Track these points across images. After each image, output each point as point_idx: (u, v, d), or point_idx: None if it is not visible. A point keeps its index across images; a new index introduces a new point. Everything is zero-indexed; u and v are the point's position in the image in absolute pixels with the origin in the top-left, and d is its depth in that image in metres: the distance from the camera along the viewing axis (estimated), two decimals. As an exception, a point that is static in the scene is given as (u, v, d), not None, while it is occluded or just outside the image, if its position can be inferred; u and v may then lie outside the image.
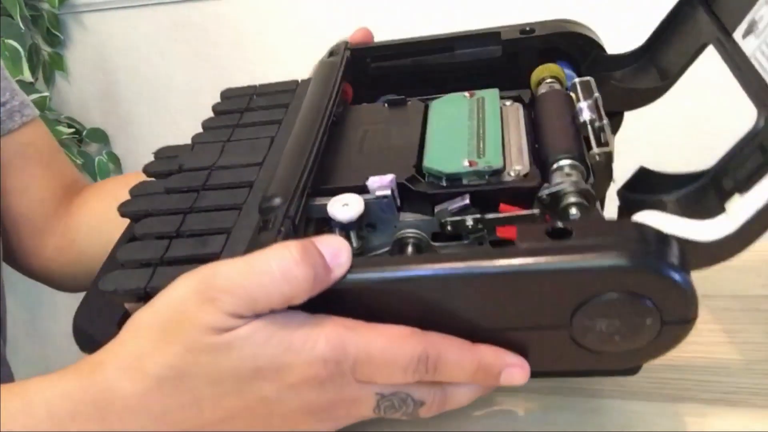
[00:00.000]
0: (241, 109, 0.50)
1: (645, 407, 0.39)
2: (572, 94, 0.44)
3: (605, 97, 0.43)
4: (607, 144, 0.39)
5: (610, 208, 0.40)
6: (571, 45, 0.48)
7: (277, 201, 0.37)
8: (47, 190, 0.62)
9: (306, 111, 0.44)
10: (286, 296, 0.32)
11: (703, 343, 0.33)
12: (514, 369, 0.34)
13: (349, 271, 0.33)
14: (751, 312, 0.46)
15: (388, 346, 0.33)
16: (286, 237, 0.35)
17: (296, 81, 0.52)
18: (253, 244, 0.35)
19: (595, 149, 0.38)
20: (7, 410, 0.33)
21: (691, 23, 0.45)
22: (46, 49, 1.42)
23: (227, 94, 0.52)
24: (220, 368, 0.33)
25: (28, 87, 1.28)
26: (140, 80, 1.43)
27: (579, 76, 0.49)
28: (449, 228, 0.38)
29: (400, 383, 0.34)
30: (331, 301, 0.33)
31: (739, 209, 0.33)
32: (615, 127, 0.47)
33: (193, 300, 0.33)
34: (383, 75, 0.52)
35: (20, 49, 1.26)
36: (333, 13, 1.23)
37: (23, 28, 1.29)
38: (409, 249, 0.40)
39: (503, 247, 0.33)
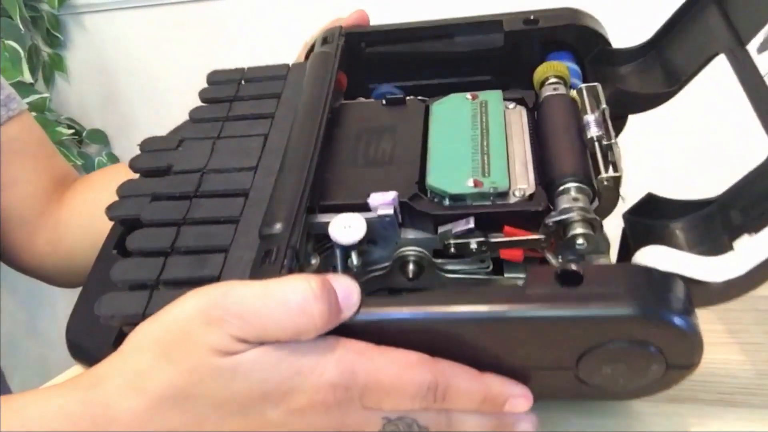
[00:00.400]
0: (230, 98, 0.47)
1: (645, 407, 0.40)
2: (576, 97, 0.43)
3: (608, 99, 0.42)
4: (615, 166, 0.38)
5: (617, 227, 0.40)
6: (576, 38, 0.46)
7: (279, 227, 0.36)
8: (37, 184, 0.60)
9: (302, 120, 0.42)
10: (299, 330, 0.31)
11: (704, 343, 0.33)
12: (519, 399, 0.34)
13: (359, 310, 0.33)
14: (751, 312, 0.46)
15: (398, 374, 0.32)
16: (290, 270, 0.34)
17: (287, 65, 0.49)
18: (256, 277, 0.34)
19: (604, 174, 0.37)
20: (3, 425, 0.32)
21: (703, 24, 0.43)
22: (45, 50, 1.40)
23: (214, 78, 0.50)
24: (224, 391, 0.32)
25: (28, 88, 1.26)
26: (140, 81, 1.40)
27: (582, 68, 0.47)
28: (452, 249, 0.38)
29: (407, 410, 0.34)
30: (339, 333, 0.33)
31: (749, 252, 0.32)
32: (618, 129, 0.46)
33: (199, 319, 0.32)
34: (378, 60, 0.50)
35: (20, 50, 1.23)
36: (335, 14, 1.18)
37: (23, 29, 1.26)
38: (411, 267, 0.40)
39: (514, 292, 0.32)
